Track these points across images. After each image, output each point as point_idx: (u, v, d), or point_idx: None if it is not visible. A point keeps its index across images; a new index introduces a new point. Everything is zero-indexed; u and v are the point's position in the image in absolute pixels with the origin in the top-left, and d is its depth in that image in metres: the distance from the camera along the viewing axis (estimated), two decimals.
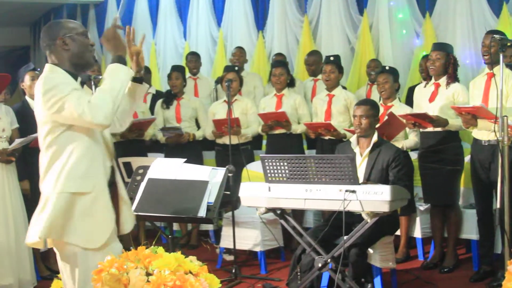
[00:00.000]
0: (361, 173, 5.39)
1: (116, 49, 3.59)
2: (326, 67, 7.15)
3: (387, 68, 6.86)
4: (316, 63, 8.25)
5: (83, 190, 3.39)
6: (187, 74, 8.73)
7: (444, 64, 6.14)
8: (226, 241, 6.75)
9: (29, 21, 16.69)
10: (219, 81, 8.12)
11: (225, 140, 7.29)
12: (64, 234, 3.33)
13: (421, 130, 6.29)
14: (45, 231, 3.32)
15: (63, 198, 3.35)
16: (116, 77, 3.46)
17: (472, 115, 5.53)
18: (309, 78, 8.47)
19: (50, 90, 3.32)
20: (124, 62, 3.56)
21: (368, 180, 5.33)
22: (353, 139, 5.71)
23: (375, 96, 7.25)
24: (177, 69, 8.05)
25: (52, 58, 3.55)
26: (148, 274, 2.71)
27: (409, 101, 7.05)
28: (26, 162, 6.25)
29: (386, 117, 6.26)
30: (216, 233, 7.76)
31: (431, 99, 6.21)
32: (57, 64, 3.53)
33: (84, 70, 3.74)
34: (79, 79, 3.60)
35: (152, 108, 8.24)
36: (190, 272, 2.75)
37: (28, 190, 6.37)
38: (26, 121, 6.17)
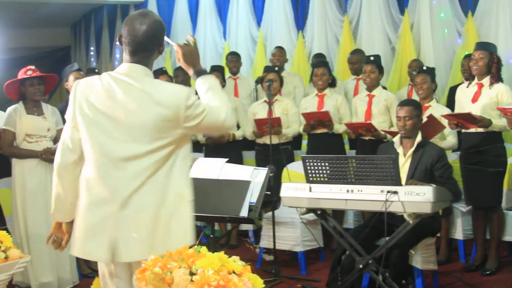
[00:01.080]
0: (404, 173, 5.36)
1: (197, 63, 3.50)
2: (366, 67, 7.11)
3: (424, 68, 6.80)
4: (359, 61, 8.17)
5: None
6: (227, 74, 8.75)
7: (487, 63, 6.06)
8: (266, 241, 6.75)
9: (70, 21, 16.88)
10: (259, 81, 8.12)
11: (265, 140, 7.30)
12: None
13: (463, 131, 6.23)
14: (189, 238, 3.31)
15: (191, 205, 3.36)
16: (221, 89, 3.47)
17: None
18: (352, 77, 8.43)
19: (193, 105, 3.21)
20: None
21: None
22: (396, 139, 5.68)
23: (416, 96, 7.20)
24: (216, 69, 8.08)
25: (144, 59, 3.31)
26: (191, 274, 2.71)
27: (451, 101, 6.98)
28: None
29: (425, 118, 6.20)
30: (256, 233, 7.77)
31: (474, 100, 6.13)
32: (149, 68, 3.35)
33: None
34: None
35: None
36: (234, 272, 2.74)
37: None
38: None
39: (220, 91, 3.41)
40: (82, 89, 3.35)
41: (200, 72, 3.47)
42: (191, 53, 3.50)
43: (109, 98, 3.24)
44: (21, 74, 6.10)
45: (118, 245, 3.23)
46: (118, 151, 3.23)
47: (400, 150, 5.58)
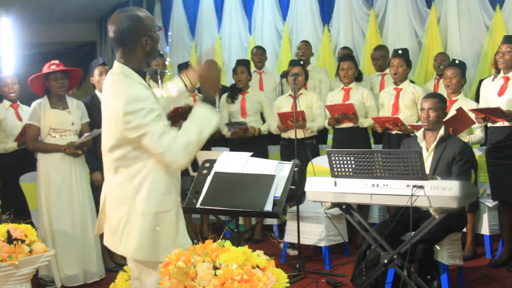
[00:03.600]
0: (426, 167, 5.30)
1: (214, 90, 3.46)
2: (394, 61, 7.06)
3: (456, 62, 6.71)
4: (382, 57, 8.15)
5: (165, 209, 3.35)
6: (252, 68, 8.74)
7: None
8: (290, 236, 6.75)
9: (96, 17, 16.98)
10: (284, 75, 8.11)
11: (290, 134, 7.29)
12: (152, 253, 3.32)
13: (489, 125, 6.17)
14: (137, 253, 3.34)
15: (148, 219, 3.31)
16: (208, 124, 3.34)
17: None
18: (376, 73, 8.38)
19: (133, 113, 3.19)
20: (214, 105, 3.42)
21: (433, 175, 5.26)
22: (419, 133, 5.64)
23: (442, 90, 7.13)
24: (242, 63, 8.07)
25: (126, 57, 3.37)
26: (215, 268, 2.70)
27: (479, 94, 6.91)
28: (98, 155, 6.38)
29: (453, 112, 6.15)
30: (280, 228, 7.77)
31: (501, 93, 6.07)
32: (127, 62, 3.36)
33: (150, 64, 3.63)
34: (147, 75, 3.53)
35: None
36: (258, 267, 2.74)
37: (101, 181, 6.48)
38: (94, 115, 6.30)
39: (193, 127, 3.31)
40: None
41: (211, 103, 3.41)
42: (210, 80, 3.47)
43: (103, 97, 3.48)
44: (45, 69, 6.14)
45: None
46: (102, 145, 3.46)
47: (423, 144, 5.54)
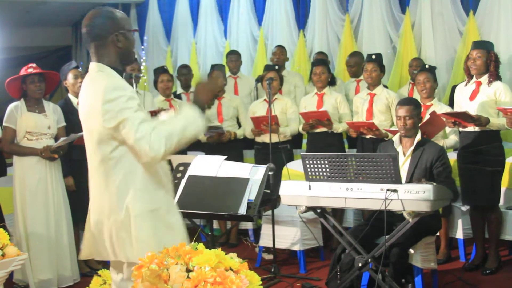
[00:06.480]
0: (404, 172, 5.35)
1: (207, 98, 3.40)
2: (368, 66, 7.08)
3: (427, 67, 6.75)
4: (357, 64, 8.15)
5: (156, 206, 3.28)
6: (227, 73, 8.73)
7: (485, 62, 6.04)
8: (265, 240, 6.75)
9: (71, 21, 16.84)
10: (259, 79, 8.11)
11: (264, 138, 7.29)
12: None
13: (460, 129, 6.20)
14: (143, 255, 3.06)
15: (144, 219, 3.23)
16: (193, 124, 3.24)
17: None
18: (352, 79, 8.41)
19: (112, 100, 3.12)
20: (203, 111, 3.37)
21: (411, 179, 5.28)
22: (395, 138, 5.66)
23: (417, 95, 7.17)
24: (217, 68, 8.06)
25: (99, 53, 3.33)
26: (188, 270, 2.69)
27: (453, 100, 6.94)
28: (70, 159, 6.35)
29: (427, 116, 6.18)
30: (255, 232, 7.76)
31: (472, 98, 6.11)
32: (101, 59, 3.32)
33: (125, 67, 3.64)
34: (124, 75, 3.48)
35: None
36: (231, 269, 2.73)
37: (72, 186, 6.46)
38: (69, 119, 6.30)
39: (178, 122, 3.23)
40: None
41: (202, 108, 3.37)
42: (207, 88, 3.43)
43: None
44: (22, 72, 6.13)
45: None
46: (86, 149, 3.39)
47: (399, 149, 5.57)
